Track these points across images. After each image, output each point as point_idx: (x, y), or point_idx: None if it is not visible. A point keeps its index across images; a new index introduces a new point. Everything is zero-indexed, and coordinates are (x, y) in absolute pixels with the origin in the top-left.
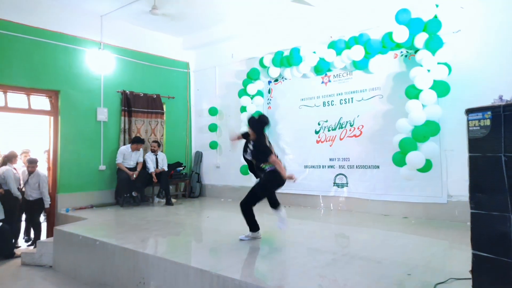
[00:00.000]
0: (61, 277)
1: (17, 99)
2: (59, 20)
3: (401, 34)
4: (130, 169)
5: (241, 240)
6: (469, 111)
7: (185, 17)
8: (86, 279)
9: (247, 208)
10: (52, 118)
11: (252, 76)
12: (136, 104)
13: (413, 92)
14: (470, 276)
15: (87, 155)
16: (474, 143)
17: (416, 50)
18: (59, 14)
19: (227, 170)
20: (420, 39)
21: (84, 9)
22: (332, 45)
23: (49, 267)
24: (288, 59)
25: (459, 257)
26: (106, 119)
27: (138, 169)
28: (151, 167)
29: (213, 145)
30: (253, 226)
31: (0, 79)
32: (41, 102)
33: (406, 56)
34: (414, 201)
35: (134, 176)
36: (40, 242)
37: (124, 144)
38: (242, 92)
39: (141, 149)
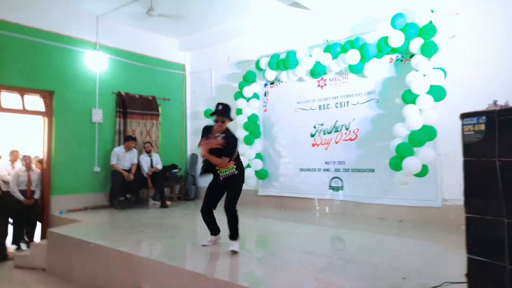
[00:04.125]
0: (54, 280)
1: (11, 99)
2: (55, 20)
3: (396, 39)
4: (124, 171)
5: (203, 245)
6: (463, 116)
7: (181, 18)
8: (80, 282)
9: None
10: (46, 118)
11: (248, 78)
12: (131, 106)
13: (410, 97)
14: (465, 280)
15: (82, 157)
16: (468, 148)
17: (412, 55)
18: (55, 14)
19: None
20: (416, 44)
21: (80, 9)
22: (328, 48)
23: (42, 269)
24: (284, 62)
25: (454, 261)
26: (101, 120)
27: (133, 170)
28: (146, 169)
29: None
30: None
31: None
32: (36, 102)
33: (401, 60)
34: (409, 205)
35: (131, 177)
36: (34, 244)
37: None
38: (238, 95)
39: (134, 150)
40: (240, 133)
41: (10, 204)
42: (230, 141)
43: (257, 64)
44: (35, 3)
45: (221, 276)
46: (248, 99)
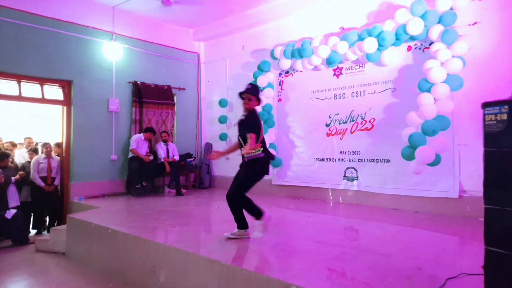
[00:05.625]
0: (73, 263)
1: (31, 88)
2: (73, 10)
3: (415, 26)
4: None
5: (227, 238)
6: (485, 105)
7: (196, 8)
8: (97, 266)
9: (237, 201)
10: (65, 108)
11: (263, 68)
12: (147, 95)
13: (426, 86)
14: (482, 271)
15: (99, 145)
16: (490, 138)
17: (431, 43)
18: (73, 5)
19: (236, 162)
20: (435, 31)
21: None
22: (345, 37)
23: (62, 254)
24: (299, 51)
25: (470, 253)
26: (118, 109)
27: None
28: (162, 156)
29: (223, 137)
30: (243, 222)
31: (14, 69)
32: (55, 92)
33: (420, 48)
34: (425, 195)
35: (151, 157)
36: (54, 229)
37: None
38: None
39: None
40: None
41: (31, 191)
42: (250, 119)
43: (272, 53)
44: None
45: (236, 263)
46: (262, 89)
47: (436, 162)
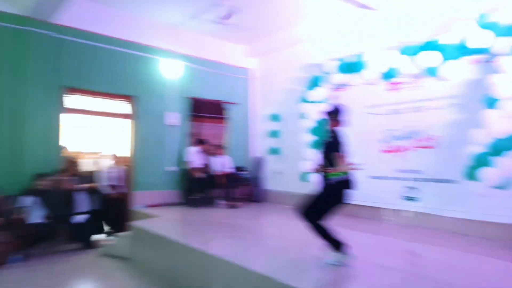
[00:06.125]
0: (135, 269)
1: (100, 103)
2: (135, 30)
3: (479, 39)
4: (196, 169)
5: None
6: None
7: (248, 25)
8: (158, 273)
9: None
10: (131, 121)
11: (315, 82)
12: (202, 110)
13: (492, 101)
14: None
15: (159, 157)
16: None
17: (496, 56)
18: (135, 25)
19: (288, 176)
20: (501, 44)
21: (157, 20)
22: (404, 50)
23: (126, 259)
24: (353, 65)
25: None
26: (176, 123)
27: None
28: (216, 168)
29: (274, 151)
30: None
31: (88, 86)
32: (121, 106)
33: (484, 62)
34: (496, 220)
35: (202, 175)
36: (119, 235)
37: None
38: (305, 99)
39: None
40: (307, 138)
41: (98, 198)
42: (331, 139)
43: (324, 67)
44: (118, 16)
45: (290, 281)
46: (315, 103)
47: (506, 185)
